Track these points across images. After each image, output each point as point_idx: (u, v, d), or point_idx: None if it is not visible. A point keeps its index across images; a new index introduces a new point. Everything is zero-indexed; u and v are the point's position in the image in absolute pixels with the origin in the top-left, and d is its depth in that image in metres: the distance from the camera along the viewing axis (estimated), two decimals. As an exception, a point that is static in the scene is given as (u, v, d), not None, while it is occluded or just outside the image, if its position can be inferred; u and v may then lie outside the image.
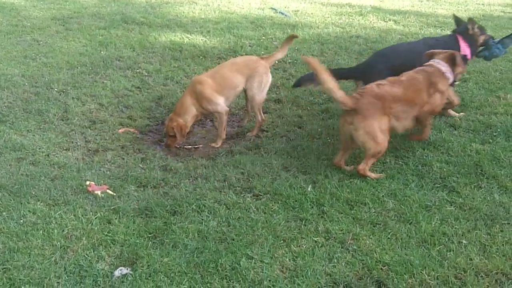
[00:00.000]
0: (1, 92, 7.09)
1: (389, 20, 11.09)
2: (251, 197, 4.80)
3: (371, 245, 4.09)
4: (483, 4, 12.96)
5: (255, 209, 4.58)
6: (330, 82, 4.90)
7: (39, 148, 5.66)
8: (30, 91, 7.17)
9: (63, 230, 4.27)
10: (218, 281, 3.75)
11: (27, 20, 10.79)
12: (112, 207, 4.61)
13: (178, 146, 6.01)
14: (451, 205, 4.60)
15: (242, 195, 4.84)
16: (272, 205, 4.64)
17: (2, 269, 3.84)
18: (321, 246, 4.10)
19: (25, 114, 6.48)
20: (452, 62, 5.41)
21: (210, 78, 6.02)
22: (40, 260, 3.93)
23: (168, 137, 5.92)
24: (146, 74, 8.00)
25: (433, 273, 3.79)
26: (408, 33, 10.09)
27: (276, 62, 7.76)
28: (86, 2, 12.44)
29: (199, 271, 3.84)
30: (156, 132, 6.41)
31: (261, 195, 4.83)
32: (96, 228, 4.31)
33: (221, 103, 5.98)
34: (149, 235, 4.25)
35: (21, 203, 4.62)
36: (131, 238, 4.19)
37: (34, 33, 9.90)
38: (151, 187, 5.01)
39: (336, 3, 12.77)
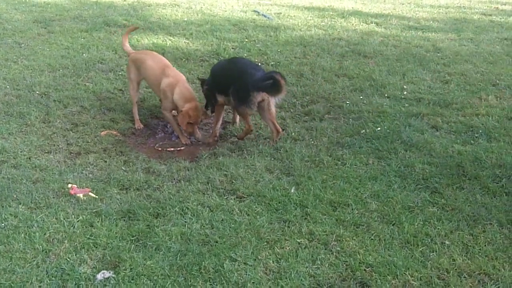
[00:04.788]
0: (-18, 95, 7.01)
1: (371, 22, 11.16)
2: (234, 199, 4.79)
3: (354, 246, 4.10)
4: (464, 7, 13.10)
5: (238, 211, 4.57)
6: None
7: (20, 151, 5.60)
8: (12, 94, 7.09)
9: (45, 234, 4.22)
10: (202, 283, 3.73)
11: (9, 23, 10.68)
12: (94, 210, 4.56)
13: (160, 149, 5.98)
14: (434, 206, 4.63)
15: (225, 197, 4.82)
16: (256, 207, 4.63)
17: (-17, 273, 3.79)
18: (304, 248, 4.10)
19: (6, 117, 6.40)
20: None
21: None
22: (22, 264, 3.88)
23: None
24: (129, 76, 7.95)
25: (416, 274, 3.81)
26: (390, 35, 10.17)
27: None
28: (67, 5, 12.35)
29: (182, 274, 3.82)
30: (139, 134, 6.37)
31: (244, 197, 4.82)
32: (78, 231, 4.26)
33: None
34: (132, 238, 4.21)
35: (2, 207, 4.56)
36: (113, 241, 4.16)
37: (15, 36, 9.80)
38: (133, 190, 4.97)
39: (318, 6, 12.83)
